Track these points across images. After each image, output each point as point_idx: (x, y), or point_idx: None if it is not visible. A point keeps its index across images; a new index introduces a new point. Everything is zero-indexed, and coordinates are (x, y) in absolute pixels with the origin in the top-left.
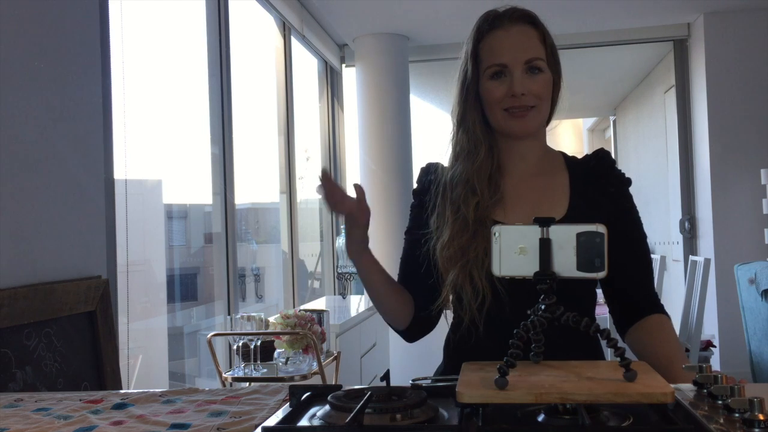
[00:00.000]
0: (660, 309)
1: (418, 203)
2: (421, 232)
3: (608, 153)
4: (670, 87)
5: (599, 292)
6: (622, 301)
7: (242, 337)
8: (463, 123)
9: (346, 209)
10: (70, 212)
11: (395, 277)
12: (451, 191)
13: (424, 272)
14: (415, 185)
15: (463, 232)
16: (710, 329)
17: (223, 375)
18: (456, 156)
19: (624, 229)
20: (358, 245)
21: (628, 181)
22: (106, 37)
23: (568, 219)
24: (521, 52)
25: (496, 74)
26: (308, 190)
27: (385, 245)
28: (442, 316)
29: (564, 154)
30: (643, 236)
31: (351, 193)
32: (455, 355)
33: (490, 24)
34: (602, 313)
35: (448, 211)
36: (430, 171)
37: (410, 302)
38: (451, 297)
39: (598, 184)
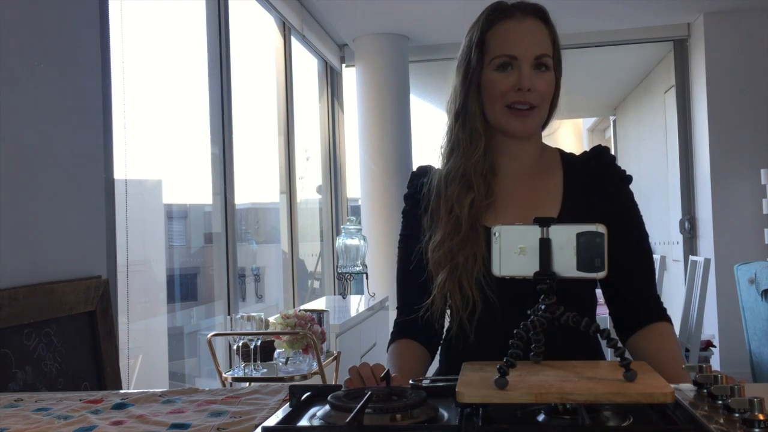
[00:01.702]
0: (661, 315)
1: (410, 208)
2: (416, 238)
3: (606, 149)
4: (670, 87)
5: (599, 292)
6: (623, 305)
7: (242, 337)
8: (463, 114)
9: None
10: (70, 212)
11: (395, 284)
12: (445, 188)
13: (424, 279)
14: (406, 190)
15: (454, 233)
16: (710, 329)
17: (223, 375)
18: (452, 149)
19: (624, 229)
20: None
21: (629, 179)
22: (106, 37)
23: (560, 219)
24: (533, 45)
25: (502, 65)
26: (308, 190)
27: (386, 246)
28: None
29: (561, 152)
30: (645, 236)
31: None
32: (447, 360)
33: (500, 14)
34: (602, 313)
35: (441, 209)
36: (422, 174)
37: (425, 359)
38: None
39: (595, 183)
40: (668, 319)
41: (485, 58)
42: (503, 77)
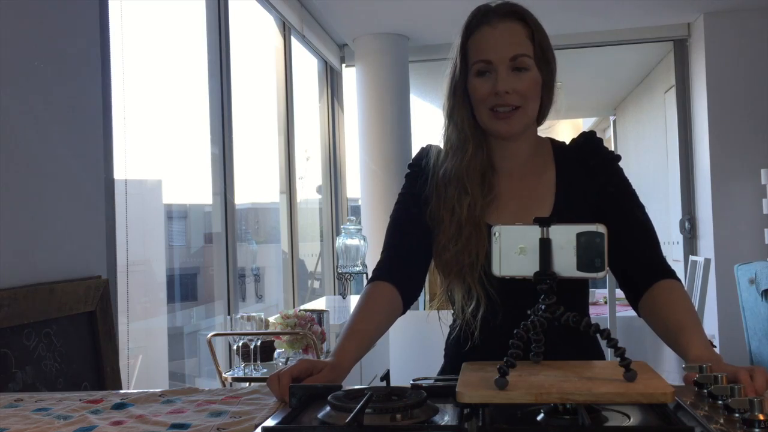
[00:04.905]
0: (668, 274)
1: (413, 174)
2: (417, 196)
3: (592, 134)
4: (670, 87)
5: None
6: (628, 273)
7: (242, 337)
8: (451, 119)
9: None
10: (70, 212)
11: (384, 246)
12: (444, 189)
13: (418, 233)
14: (411, 161)
15: (458, 237)
16: (710, 329)
17: (223, 375)
18: (446, 151)
19: (617, 202)
20: (337, 374)
21: (617, 158)
22: (106, 37)
23: (555, 213)
24: (506, 48)
25: (481, 72)
26: (308, 190)
27: None
28: (438, 318)
29: (552, 143)
30: (640, 205)
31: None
32: (452, 358)
33: (478, 20)
34: (602, 313)
35: (442, 211)
36: (427, 152)
37: (395, 307)
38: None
39: (586, 169)
40: (675, 277)
41: (467, 65)
42: (482, 82)
